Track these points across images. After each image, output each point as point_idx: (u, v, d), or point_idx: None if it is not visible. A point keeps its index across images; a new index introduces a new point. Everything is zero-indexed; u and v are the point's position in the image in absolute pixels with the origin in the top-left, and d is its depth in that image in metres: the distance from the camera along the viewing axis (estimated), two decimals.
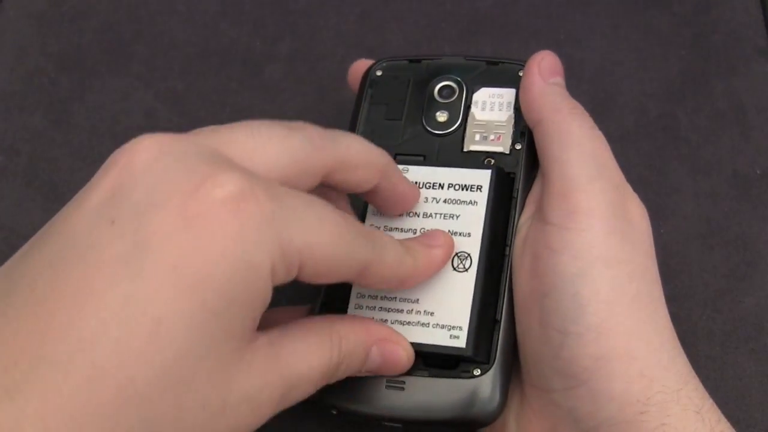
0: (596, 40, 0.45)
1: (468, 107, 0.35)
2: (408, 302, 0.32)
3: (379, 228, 0.34)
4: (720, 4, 0.46)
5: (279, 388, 0.27)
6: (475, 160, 0.34)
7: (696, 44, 0.45)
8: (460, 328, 0.31)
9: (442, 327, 0.32)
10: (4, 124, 0.43)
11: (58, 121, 0.43)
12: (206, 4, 0.47)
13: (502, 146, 0.34)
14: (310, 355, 0.27)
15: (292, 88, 0.44)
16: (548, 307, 0.30)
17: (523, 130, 0.34)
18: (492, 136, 0.35)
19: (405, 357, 0.31)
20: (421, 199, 0.34)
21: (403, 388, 0.31)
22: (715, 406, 0.30)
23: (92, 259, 0.23)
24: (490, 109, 0.35)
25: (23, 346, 0.22)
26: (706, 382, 0.31)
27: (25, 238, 0.40)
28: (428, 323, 0.32)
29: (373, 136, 0.35)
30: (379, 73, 0.37)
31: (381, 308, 0.32)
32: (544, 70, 0.33)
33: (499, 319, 0.32)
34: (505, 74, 0.35)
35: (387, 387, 0.32)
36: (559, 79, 0.34)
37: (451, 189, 0.34)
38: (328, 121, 0.43)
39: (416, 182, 0.34)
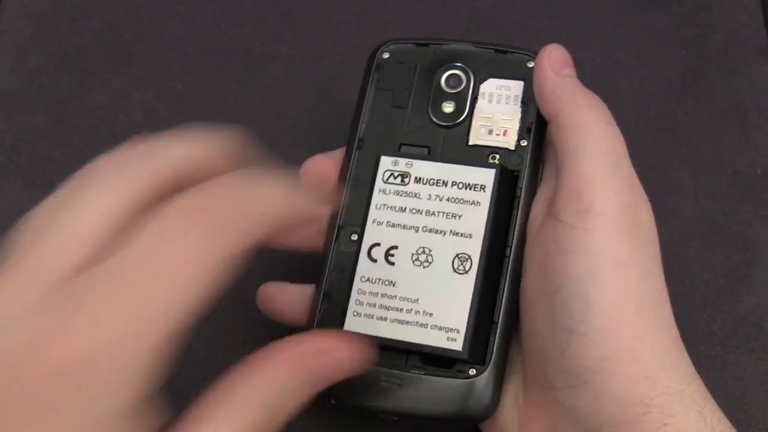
0: (596, 40, 0.45)
1: (475, 98, 0.35)
2: (408, 301, 0.32)
3: (381, 224, 0.34)
4: (720, 4, 0.46)
5: None
6: (480, 156, 0.34)
7: (696, 44, 0.45)
8: (458, 331, 0.32)
9: (440, 329, 0.32)
10: (4, 124, 0.43)
11: (58, 121, 0.43)
12: (206, 4, 0.47)
13: (508, 142, 0.34)
14: None
15: (292, 88, 0.44)
16: (556, 305, 0.30)
17: (530, 126, 0.34)
18: (497, 131, 0.34)
19: (347, 359, 0.28)
20: (425, 196, 0.34)
21: (400, 385, 0.32)
22: (716, 406, 0.30)
23: None
24: (497, 102, 0.35)
25: None
26: (706, 382, 0.31)
27: None
28: (426, 324, 0.32)
29: (378, 124, 0.35)
30: (386, 55, 0.36)
31: (381, 306, 0.33)
32: (555, 63, 0.33)
33: (496, 320, 0.32)
34: (514, 64, 0.35)
35: (384, 382, 0.32)
36: (571, 71, 0.33)
37: (455, 187, 0.33)
38: (328, 121, 0.43)
39: (420, 178, 0.34)
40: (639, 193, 0.32)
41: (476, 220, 0.33)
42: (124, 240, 0.23)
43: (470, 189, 0.33)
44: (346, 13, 0.46)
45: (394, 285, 0.33)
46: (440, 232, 0.33)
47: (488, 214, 0.33)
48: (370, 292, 0.33)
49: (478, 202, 0.33)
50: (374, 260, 0.33)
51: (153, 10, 0.46)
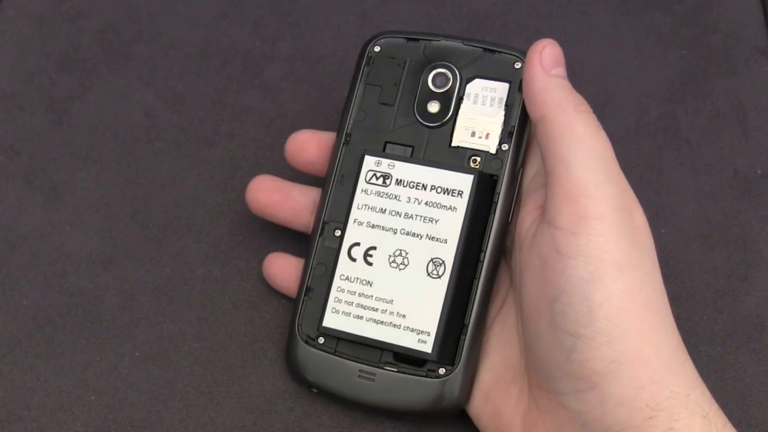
0: (596, 40, 0.45)
1: (460, 99, 0.35)
2: (383, 302, 0.34)
3: (362, 224, 0.35)
4: (720, 4, 0.46)
5: None
6: (461, 158, 0.35)
7: (696, 44, 0.45)
8: (428, 334, 0.33)
9: (412, 330, 0.33)
10: (4, 124, 0.43)
11: (58, 121, 0.43)
12: (206, 4, 0.46)
13: (489, 145, 0.35)
14: None
15: (292, 88, 0.44)
16: (558, 310, 0.30)
17: (511, 130, 0.34)
18: (480, 134, 0.35)
19: None
20: (404, 198, 0.34)
21: (373, 380, 0.34)
22: (720, 411, 0.30)
23: None
24: (482, 103, 0.35)
25: None
26: (707, 383, 0.31)
27: (25, 238, 0.40)
28: (399, 325, 0.34)
29: (365, 120, 0.36)
30: (377, 49, 0.37)
31: (358, 304, 0.34)
32: (545, 61, 0.33)
33: (467, 323, 0.34)
34: (501, 65, 0.35)
35: (359, 377, 0.34)
36: (561, 70, 0.33)
37: (433, 191, 0.34)
38: (328, 121, 0.43)
39: (401, 180, 0.35)
40: (631, 196, 0.32)
41: (452, 225, 0.34)
42: None
43: (448, 194, 0.34)
44: (346, 13, 0.46)
45: (371, 285, 0.34)
46: (417, 236, 0.34)
47: (464, 220, 0.34)
48: (348, 291, 0.34)
49: (454, 208, 0.34)
50: (354, 259, 0.34)
51: (153, 10, 0.46)
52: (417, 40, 0.36)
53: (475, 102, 0.35)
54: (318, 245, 0.35)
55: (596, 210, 0.30)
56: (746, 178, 0.42)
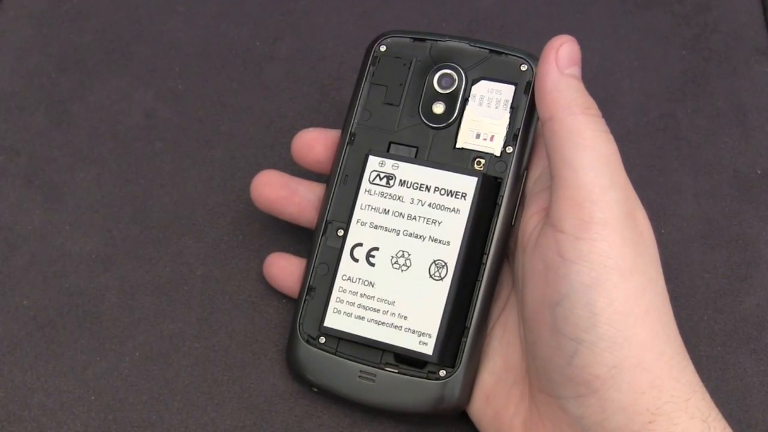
0: (596, 40, 0.45)
1: (466, 100, 0.35)
2: (385, 303, 0.34)
3: (365, 225, 0.35)
4: (720, 4, 0.46)
5: None
6: (466, 160, 0.35)
7: (696, 44, 0.45)
8: (430, 336, 0.33)
9: (413, 332, 0.33)
10: (4, 124, 0.43)
11: (58, 121, 0.43)
12: (206, 4, 0.46)
13: (494, 147, 0.35)
14: None
15: (292, 88, 0.44)
16: (561, 315, 0.30)
17: (516, 132, 0.34)
18: (485, 136, 0.35)
19: None
20: (408, 199, 0.34)
21: (373, 381, 0.34)
22: (720, 416, 0.30)
23: None
24: (487, 105, 0.35)
25: None
26: (707, 383, 0.31)
27: (25, 238, 0.40)
28: (401, 326, 0.34)
29: (370, 120, 0.36)
30: (383, 48, 0.37)
31: (359, 305, 0.34)
32: (561, 59, 0.32)
33: (468, 325, 0.34)
34: (508, 67, 0.35)
35: (359, 377, 0.34)
36: (576, 69, 0.33)
37: (437, 193, 0.34)
38: (327, 122, 0.43)
39: (405, 181, 0.35)
40: (635, 201, 0.32)
41: (455, 227, 0.34)
42: None
43: (451, 196, 0.34)
44: (346, 14, 0.46)
45: (373, 286, 0.34)
46: (420, 237, 0.34)
47: (467, 223, 0.34)
48: (350, 291, 0.34)
49: (458, 210, 0.34)
50: (356, 260, 0.34)
51: (153, 10, 0.46)
52: (423, 40, 0.36)
53: (480, 104, 0.35)
54: (321, 245, 0.35)
55: (601, 215, 0.30)
56: (746, 178, 0.42)
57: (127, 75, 0.44)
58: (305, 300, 0.35)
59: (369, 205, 0.35)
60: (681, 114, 0.43)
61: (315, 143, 0.37)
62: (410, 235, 0.34)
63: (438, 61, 0.36)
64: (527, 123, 0.35)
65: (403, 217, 0.34)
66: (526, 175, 0.35)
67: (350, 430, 0.36)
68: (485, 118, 0.35)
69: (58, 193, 0.41)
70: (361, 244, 0.35)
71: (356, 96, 0.36)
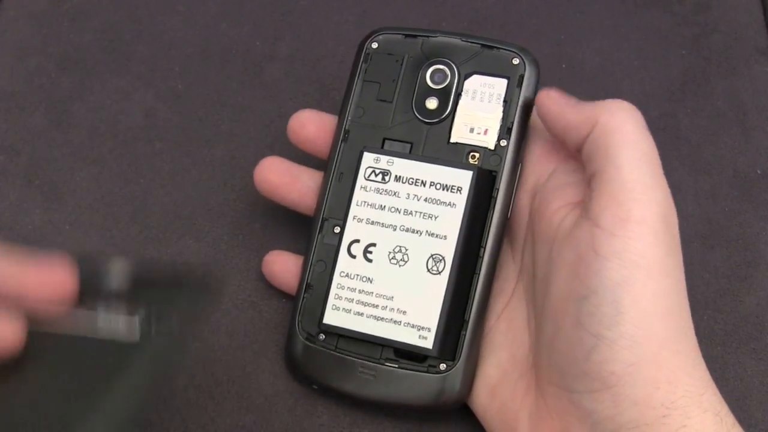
0: (596, 40, 0.45)
1: (459, 95, 0.35)
2: (383, 298, 0.34)
3: (361, 221, 0.35)
4: (720, 4, 0.46)
5: None
6: (460, 154, 0.35)
7: (696, 44, 0.45)
8: (429, 330, 0.33)
9: (413, 326, 0.34)
10: (4, 124, 0.43)
11: (58, 121, 0.43)
12: (206, 4, 0.46)
13: (488, 141, 0.35)
14: None
15: (292, 88, 0.44)
16: (586, 309, 0.30)
17: (510, 126, 0.35)
18: (479, 130, 0.35)
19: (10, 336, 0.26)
20: (404, 195, 0.34)
21: (374, 376, 0.34)
22: (730, 412, 0.30)
23: None
24: (480, 99, 0.35)
25: None
26: None
27: (25, 238, 0.40)
28: (400, 321, 0.34)
29: (364, 116, 0.36)
30: (374, 45, 0.37)
31: (358, 301, 0.34)
32: (558, 101, 0.33)
33: (467, 318, 0.34)
34: (499, 61, 0.35)
35: (360, 373, 0.34)
36: (573, 100, 0.33)
37: (432, 188, 0.34)
38: None
39: (400, 177, 0.35)
40: (671, 202, 0.32)
41: (451, 221, 0.34)
42: None
43: (447, 190, 0.34)
44: (346, 14, 0.46)
45: (371, 282, 0.34)
46: (416, 232, 0.34)
47: (463, 216, 0.34)
48: (348, 287, 0.34)
49: (453, 204, 0.34)
50: (353, 256, 0.35)
51: (153, 10, 0.46)
52: (415, 36, 0.36)
53: (473, 98, 0.35)
54: (317, 242, 0.36)
55: (639, 214, 0.30)
56: (746, 178, 0.42)
57: (127, 75, 0.44)
58: (303, 297, 0.35)
59: (365, 202, 0.35)
60: (681, 114, 0.43)
61: (308, 122, 0.37)
62: (407, 230, 0.34)
63: (430, 56, 0.36)
64: (521, 116, 0.35)
65: (399, 212, 0.34)
66: (522, 168, 0.35)
67: (350, 430, 0.36)
68: (478, 112, 0.35)
69: (58, 192, 0.41)
70: (358, 241, 0.35)
71: (349, 93, 0.36)
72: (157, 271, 0.28)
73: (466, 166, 0.34)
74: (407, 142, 0.36)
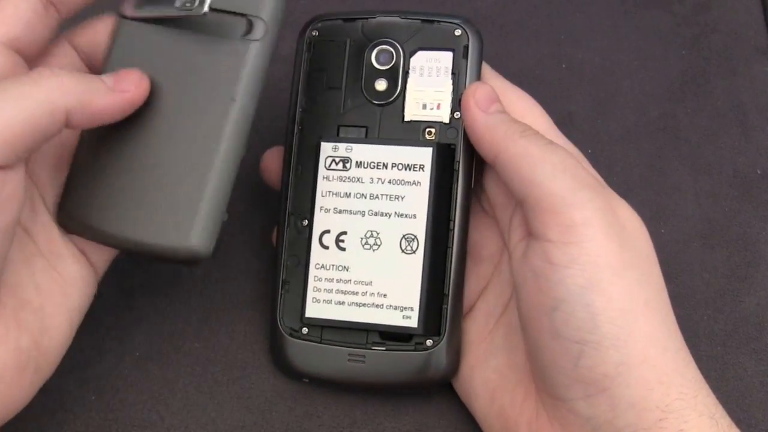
0: (596, 40, 0.45)
1: (406, 73, 0.35)
2: (362, 284, 0.34)
3: (329, 211, 0.35)
4: (720, 4, 0.46)
5: None
6: (416, 132, 0.35)
7: (696, 44, 0.45)
8: (412, 309, 0.34)
9: (395, 308, 0.34)
10: None
11: None
12: None
13: (442, 115, 0.35)
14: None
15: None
16: (560, 319, 0.30)
17: (461, 97, 0.34)
18: (431, 105, 0.35)
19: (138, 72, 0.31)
20: (367, 179, 0.35)
21: (363, 362, 0.34)
22: (725, 412, 0.30)
23: None
24: (428, 74, 0.35)
25: None
26: (707, 382, 0.31)
27: None
28: (382, 304, 0.34)
29: (315, 107, 0.36)
30: (315, 33, 0.36)
31: (338, 290, 0.35)
32: (481, 102, 0.33)
33: (447, 293, 0.34)
34: (442, 35, 0.35)
35: (349, 361, 0.34)
36: (498, 105, 0.33)
37: (395, 169, 0.35)
38: None
39: (362, 162, 0.35)
40: (611, 195, 0.32)
41: (418, 200, 0.34)
42: None
43: (409, 169, 0.34)
44: None
45: (347, 270, 0.34)
46: (386, 215, 0.34)
47: (429, 193, 0.34)
48: (326, 279, 0.35)
49: (418, 182, 0.34)
50: (326, 247, 0.35)
51: None
52: (354, 20, 0.36)
53: (421, 74, 0.35)
54: (287, 238, 0.36)
55: (581, 216, 0.30)
56: (746, 178, 0.42)
57: None
58: (281, 294, 0.35)
59: (329, 191, 0.35)
60: (681, 114, 0.43)
61: (276, 160, 0.37)
62: (376, 214, 0.34)
63: (372, 38, 0.36)
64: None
65: (365, 197, 0.35)
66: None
67: (350, 430, 0.36)
68: (428, 88, 0.35)
69: None
70: (328, 231, 0.35)
71: (296, 85, 0.36)
72: None
73: (425, 143, 0.34)
74: (362, 127, 0.36)
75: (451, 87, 0.35)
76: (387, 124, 0.35)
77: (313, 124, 0.36)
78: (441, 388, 0.36)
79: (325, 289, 0.35)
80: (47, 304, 0.31)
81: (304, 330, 0.35)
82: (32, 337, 0.30)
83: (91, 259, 0.33)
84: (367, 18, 0.36)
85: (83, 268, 0.32)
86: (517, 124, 0.32)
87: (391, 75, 0.35)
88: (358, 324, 0.34)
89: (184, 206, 0.30)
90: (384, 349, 0.34)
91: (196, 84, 0.31)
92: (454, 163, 0.34)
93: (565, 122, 0.40)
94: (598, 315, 0.29)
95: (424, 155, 0.34)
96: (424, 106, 0.35)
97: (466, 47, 0.35)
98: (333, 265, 0.35)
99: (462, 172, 0.34)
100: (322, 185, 0.35)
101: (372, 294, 0.34)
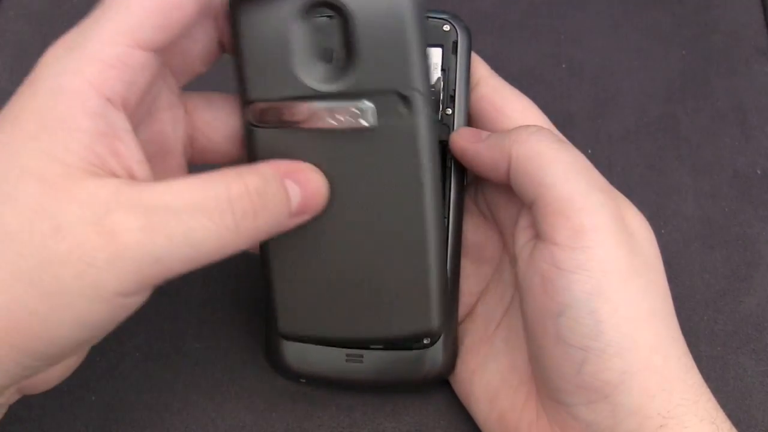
0: (596, 40, 0.45)
1: None
2: None
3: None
4: (720, 4, 0.46)
5: (136, 216, 0.26)
6: None
7: (696, 44, 0.45)
8: None
9: None
10: None
11: None
12: None
13: None
14: (189, 188, 0.27)
15: None
16: (565, 325, 0.30)
17: (452, 93, 0.34)
18: None
19: (321, 182, 0.30)
20: None
21: (361, 361, 0.34)
22: (725, 416, 0.30)
23: None
24: None
25: None
26: (707, 383, 0.31)
27: None
28: None
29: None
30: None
31: None
32: (469, 138, 0.33)
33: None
34: (431, 31, 0.35)
35: (347, 360, 0.34)
36: (484, 135, 0.33)
37: None
38: None
39: None
40: (621, 200, 0.32)
41: None
42: None
43: None
44: None
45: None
46: None
47: None
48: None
49: None
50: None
51: None
52: None
53: None
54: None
55: (591, 221, 0.30)
56: (746, 178, 0.42)
57: None
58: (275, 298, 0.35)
59: None
60: (681, 114, 0.43)
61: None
62: None
63: None
64: (461, 82, 0.34)
65: None
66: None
67: (350, 430, 0.36)
68: None
69: None
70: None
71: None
72: None
73: None
74: None
75: (441, 84, 0.34)
76: None
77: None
78: (440, 388, 0.36)
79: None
80: None
81: None
82: None
83: None
84: None
85: None
86: (521, 128, 0.32)
87: None
88: None
89: (417, 294, 0.31)
90: (381, 347, 0.34)
91: (379, 175, 0.31)
92: (446, 159, 0.34)
93: (565, 122, 0.40)
94: (603, 322, 0.29)
95: None
96: None
97: (455, 43, 0.34)
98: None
99: (454, 169, 0.34)
100: None
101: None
